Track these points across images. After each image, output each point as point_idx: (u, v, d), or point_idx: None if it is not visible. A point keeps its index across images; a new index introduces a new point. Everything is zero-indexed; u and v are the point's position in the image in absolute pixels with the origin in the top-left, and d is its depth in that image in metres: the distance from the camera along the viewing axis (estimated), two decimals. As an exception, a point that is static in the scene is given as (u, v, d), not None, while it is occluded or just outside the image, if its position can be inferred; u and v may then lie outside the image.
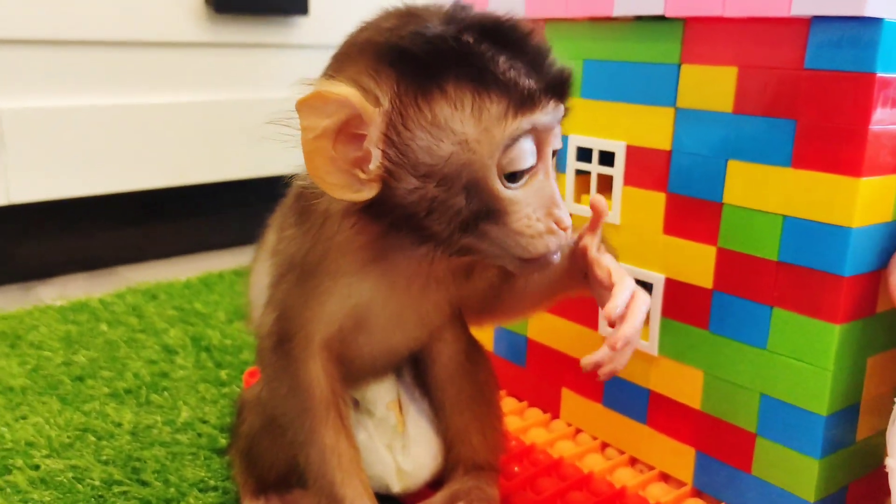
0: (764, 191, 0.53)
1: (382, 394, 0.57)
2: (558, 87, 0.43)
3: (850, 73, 0.48)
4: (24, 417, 0.72)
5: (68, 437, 0.68)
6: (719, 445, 0.58)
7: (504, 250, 0.43)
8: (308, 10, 1.21)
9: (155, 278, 1.12)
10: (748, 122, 0.54)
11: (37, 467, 0.64)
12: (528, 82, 0.41)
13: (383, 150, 0.41)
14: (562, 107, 0.44)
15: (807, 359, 0.52)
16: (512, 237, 0.43)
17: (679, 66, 0.57)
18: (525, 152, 0.42)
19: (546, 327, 0.70)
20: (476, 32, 0.41)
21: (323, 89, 0.40)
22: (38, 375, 0.80)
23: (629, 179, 0.61)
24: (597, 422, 0.67)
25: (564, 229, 0.44)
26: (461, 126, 0.40)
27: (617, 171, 0.62)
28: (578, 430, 0.69)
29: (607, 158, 0.63)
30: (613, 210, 0.63)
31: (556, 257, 0.44)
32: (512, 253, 0.43)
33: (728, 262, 0.56)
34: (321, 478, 0.49)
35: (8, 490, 0.61)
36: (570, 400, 0.70)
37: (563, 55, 0.64)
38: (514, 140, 0.41)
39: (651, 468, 0.64)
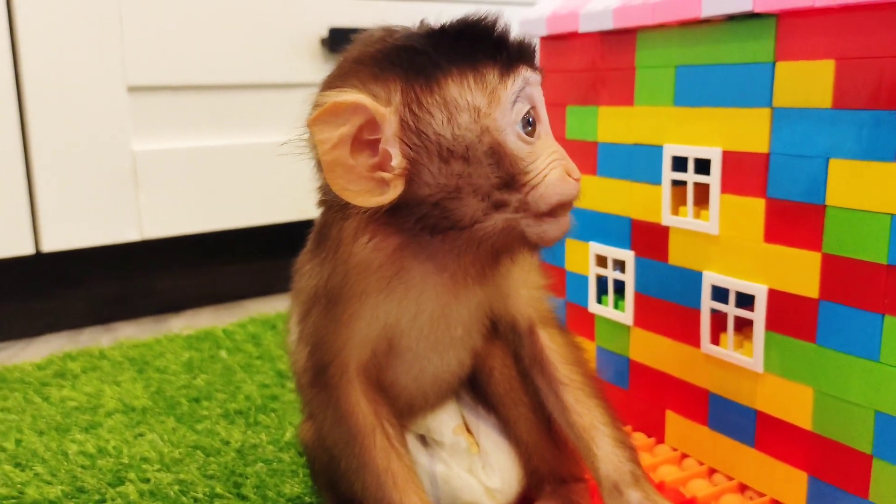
0: (869, 189, 0.49)
1: (446, 420, 0.56)
2: (525, 53, 0.46)
3: (957, 54, 0.44)
4: (141, 435, 0.75)
5: (179, 453, 0.71)
6: (833, 469, 0.54)
7: (524, 215, 0.45)
8: (421, 46, 1.24)
9: (277, 310, 1.16)
10: (849, 116, 0.50)
11: (147, 480, 0.67)
12: (506, 51, 0.45)
13: (402, 144, 0.43)
14: (535, 69, 0.47)
15: (924, 370, 0.47)
16: (532, 194, 0.44)
17: (773, 64, 0.54)
18: (527, 101, 0.45)
19: (648, 347, 0.68)
20: (450, 28, 0.45)
21: (334, 100, 0.42)
22: (158, 397, 0.84)
23: (727, 187, 0.59)
24: (703, 446, 0.64)
25: (576, 179, 0.46)
26: (471, 97, 0.43)
27: (714, 179, 0.59)
28: (685, 456, 0.66)
29: (703, 167, 0.61)
30: (711, 220, 0.60)
31: (569, 221, 0.47)
32: (532, 210, 0.45)
33: (834, 269, 0.52)
34: (380, 501, 0.49)
35: (119, 500, 0.64)
36: (674, 423, 0.66)
37: (656, 63, 0.63)
38: (517, 95, 0.44)
39: (761, 495, 0.59)
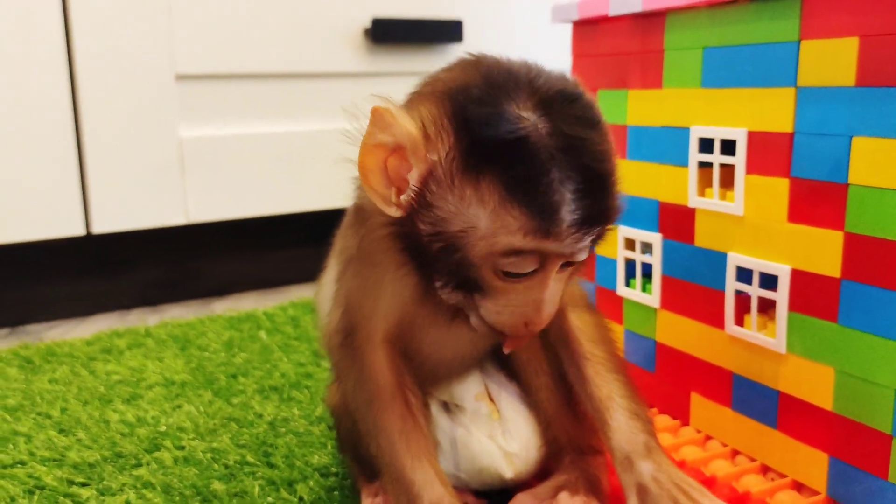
0: (891, 167, 0.49)
1: (469, 387, 0.57)
2: (594, 220, 0.43)
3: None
4: (179, 407, 0.78)
5: (214, 424, 0.74)
6: (854, 450, 0.54)
7: (483, 316, 0.46)
8: (462, 37, 1.25)
9: (317, 295, 1.18)
10: (872, 94, 0.50)
11: (182, 448, 0.69)
12: (559, 213, 0.41)
13: (416, 191, 0.43)
14: (592, 236, 0.44)
15: (943, 348, 0.47)
16: (489, 312, 0.46)
17: (798, 43, 0.54)
18: (524, 263, 0.43)
19: (674, 329, 0.68)
20: (548, 131, 0.42)
21: (396, 111, 0.43)
22: (198, 372, 0.87)
23: (751, 167, 0.59)
24: (726, 427, 0.64)
25: (531, 333, 0.47)
26: (476, 218, 0.42)
27: (739, 160, 0.59)
28: (708, 438, 0.66)
29: (729, 148, 0.61)
30: (736, 201, 0.60)
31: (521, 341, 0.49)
32: (486, 320, 0.46)
33: (856, 248, 0.52)
34: (391, 464, 0.50)
35: (153, 465, 0.66)
36: (699, 405, 0.66)
37: (684, 45, 0.63)
38: (516, 253, 0.42)
39: (783, 476, 0.59)
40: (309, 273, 1.35)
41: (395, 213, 0.44)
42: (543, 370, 0.57)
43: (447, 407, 0.57)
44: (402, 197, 0.44)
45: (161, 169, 1.09)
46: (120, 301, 1.17)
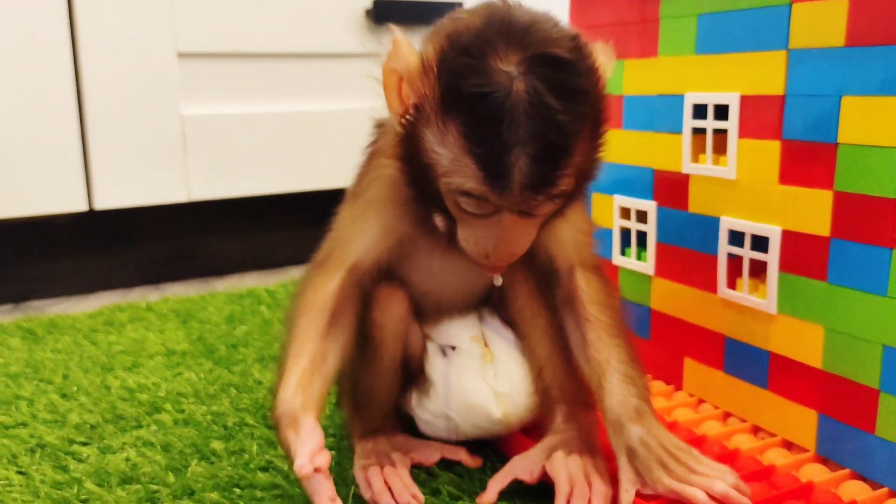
0: (879, 125, 0.50)
1: (465, 329, 0.59)
2: (540, 187, 0.45)
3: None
4: (179, 374, 0.79)
5: (214, 389, 0.75)
6: (841, 406, 0.54)
7: (459, 241, 0.50)
8: (463, 19, 1.26)
9: (317, 274, 1.19)
10: (861, 53, 0.51)
11: (182, 411, 0.70)
12: (507, 175, 0.44)
13: (410, 117, 0.47)
14: (541, 199, 0.46)
15: (929, 301, 0.48)
16: (461, 239, 0.49)
17: (790, 5, 0.55)
18: (478, 206, 0.46)
19: (668, 295, 0.69)
20: (523, 91, 0.43)
21: (408, 44, 0.47)
22: (199, 343, 0.88)
23: (744, 131, 0.59)
24: (718, 390, 0.65)
25: (495, 266, 0.49)
26: (439, 156, 0.46)
27: (731, 124, 0.60)
28: (701, 401, 0.67)
29: (722, 112, 0.61)
30: (729, 165, 0.60)
31: (497, 280, 0.53)
32: (461, 245, 0.50)
33: (845, 206, 0.53)
34: (280, 362, 0.53)
35: (154, 426, 0.67)
36: (692, 369, 0.67)
37: (679, 13, 0.64)
38: (468, 195, 0.46)
39: (773, 436, 0.60)
40: (309, 253, 1.37)
41: (399, 130, 0.48)
42: (540, 313, 0.58)
43: (444, 351, 0.59)
44: (403, 119, 0.48)
45: (163, 146, 1.10)
46: (122, 278, 1.18)
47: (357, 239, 0.55)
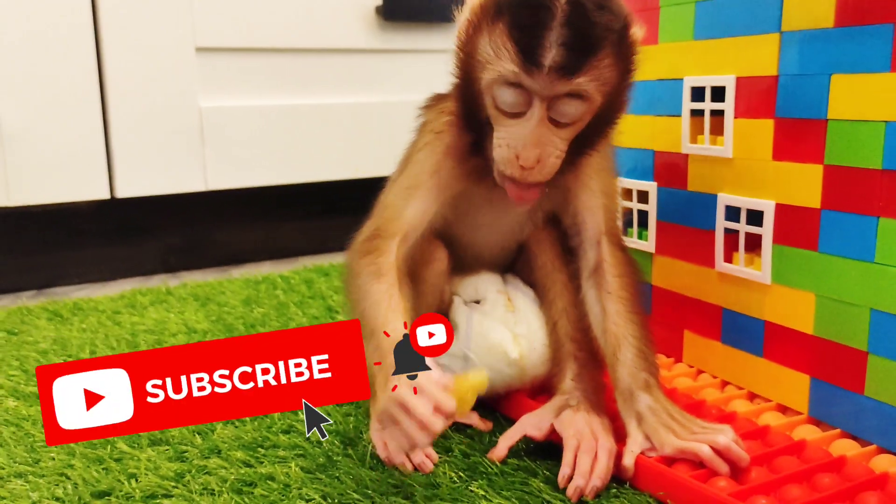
0: (866, 100, 0.53)
1: (493, 283, 0.65)
2: (570, 70, 0.51)
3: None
4: (201, 350, 0.83)
5: (235, 363, 0.78)
6: (832, 369, 0.58)
7: (493, 155, 0.55)
8: (472, 15, 1.29)
9: (331, 262, 1.22)
10: (848, 33, 0.54)
11: (205, 382, 0.74)
12: (542, 56, 0.50)
13: (466, 35, 0.55)
14: (569, 85, 0.51)
15: (911, 264, 0.51)
16: (495, 147, 0.55)
17: (783, -10, 0.58)
18: (512, 99, 0.52)
19: (668, 272, 0.72)
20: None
21: None
22: (218, 323, 0.91)
23: (739, 111, 0.63)
24: (716, 360, 0.68)
25: (521, 167, 0.53)
26: (485, 51, 0.53)
27: (728, 105, 0.63)
28: (700, 372, 0.70)
29: (719, 94, 0.65)
30: (726, 144, 0.64)
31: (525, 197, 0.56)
32: (494, 159, 0.55)
33: (834, 179, 0.56)
34: (369, 318, 0.55)
35: (180, 395, 0.71)
36: (691, 342, 0.70)
37: (677, 1, 0.67)
38: (504, 84, 0.52)
39: (768, 401, 0.63)
40: (321, 244, 1.41)
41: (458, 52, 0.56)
42: (559, 275, 0.64)
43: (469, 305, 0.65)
44: (463, 35, 0.55)
45: (182, 137, 1.14)
46: (141, 266, 1.22)
47: (412, 205, 0.59)
